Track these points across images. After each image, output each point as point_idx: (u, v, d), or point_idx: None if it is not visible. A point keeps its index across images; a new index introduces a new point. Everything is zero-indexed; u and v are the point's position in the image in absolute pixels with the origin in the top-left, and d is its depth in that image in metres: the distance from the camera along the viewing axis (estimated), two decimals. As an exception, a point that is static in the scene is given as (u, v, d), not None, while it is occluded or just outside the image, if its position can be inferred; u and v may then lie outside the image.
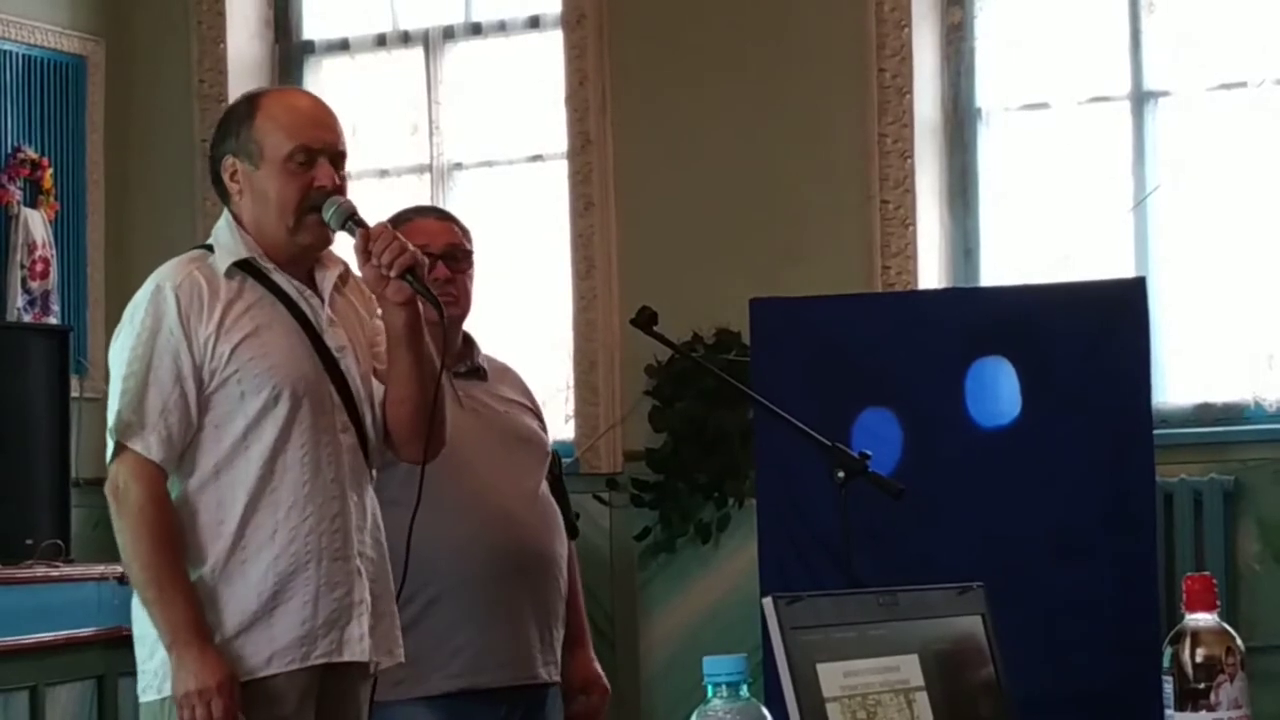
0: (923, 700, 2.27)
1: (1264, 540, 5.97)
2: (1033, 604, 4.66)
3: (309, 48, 7.51)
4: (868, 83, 6.43)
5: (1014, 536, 4.86)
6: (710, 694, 2.03)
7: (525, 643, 3.90)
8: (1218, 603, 2.33)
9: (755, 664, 2.23)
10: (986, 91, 6.53)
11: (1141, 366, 4.97)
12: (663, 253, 6.60)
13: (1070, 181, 6.42)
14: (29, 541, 6.13)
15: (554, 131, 6.93)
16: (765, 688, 2.44)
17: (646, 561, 6.62)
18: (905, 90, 6.40)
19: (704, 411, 6.44)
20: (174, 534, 3.33)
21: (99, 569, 5.90)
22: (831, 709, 2.16)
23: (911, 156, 6.39)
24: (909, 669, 2.27)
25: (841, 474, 3.84)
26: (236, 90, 6.38)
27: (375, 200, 6.00)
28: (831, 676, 2.18)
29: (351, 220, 3.39)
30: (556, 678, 4.00)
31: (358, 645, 3.41)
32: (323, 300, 3.46)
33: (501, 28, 7.20)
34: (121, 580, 3.48)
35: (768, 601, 2.17)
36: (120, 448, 3.34)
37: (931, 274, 6.42)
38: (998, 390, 5.00)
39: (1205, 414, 6.17)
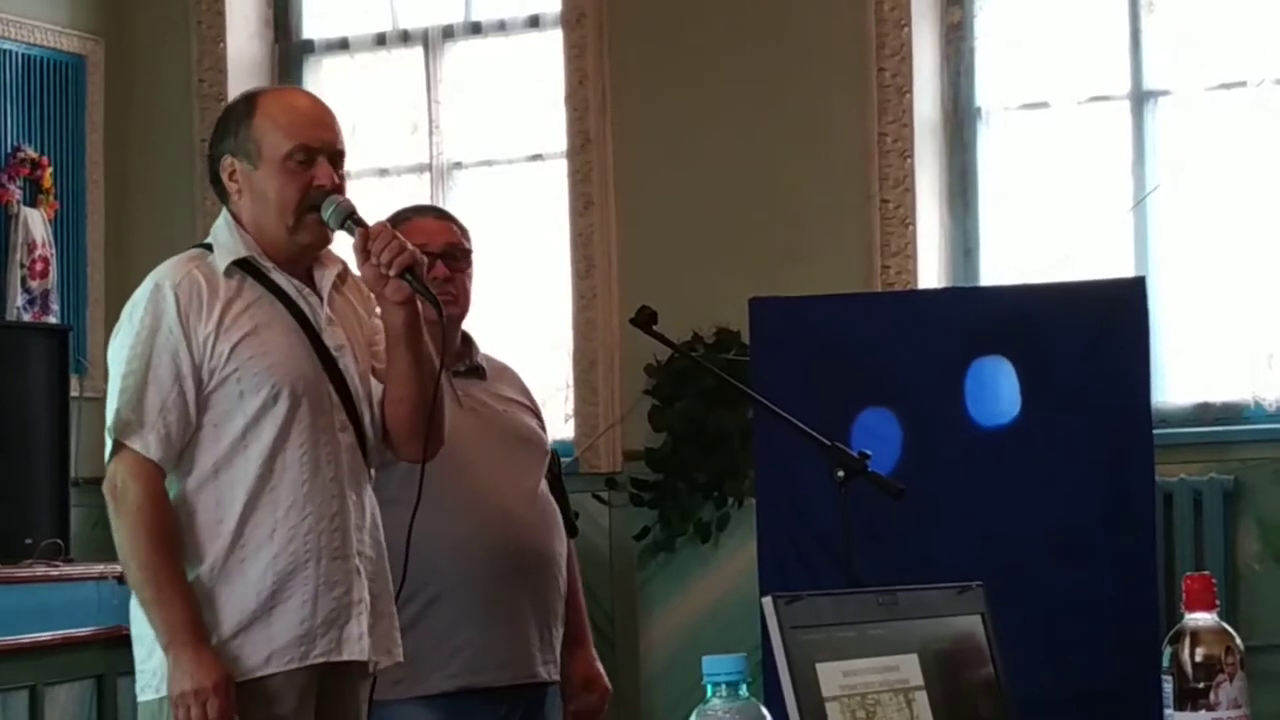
0: (922, 700, 2.27)
1: (1263, 540, 5.97)
2: (1032, 604, 4.65)
3: (308, 47, 7.51)
4: (867, 82, 6.43)
5: (1014, 536, 4.86)
6: (710, 693, 2.03)
7: (525, 642, 3.90)
8: (1217, 602, 2.33)
9: (755, 663, 2.22)
10: (986, 91, 6.53)
11: (1141, 366, 4.97)
12: (662, 252, 6.60)
13: (1070, 181, 6.42)
14: (28, 541, 6.13)
15: (554, 131, 6.93)
16: (765, 687, 2.44)
17: (646, 561, 6.62)
18: (905, 90, 6.40)
19: (704, 411, 6.44)
20: (172, 533, 3.32)
21: (98, 568, 5.90)
22: (831, 708, 2.16)
23: (911, 156, 6.39)
24: (908, 668, 2.27)
25: (841, 474, 3.84)
26: (236, 90, 6.38)
27: (375, 200, 6.00)
28: (831, 676, 2.18)
29: (350, 219, 3.39)
30: (556, 677, 4.00)
31: (357, 644, 3.41)
32: (321, 299, 3.46)
33: (501, 27, 7.20)
34: (121, 580, 3.48)
35: (767, 601, 2.17)
36: (119, 446, 3.34)
37: (931, 274, 6.42)
38: (997, 390, 5.00)
39: (1205, 414, 6.17)
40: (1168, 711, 2.31)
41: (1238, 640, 2.33)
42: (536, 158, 7.13)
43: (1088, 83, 6.39)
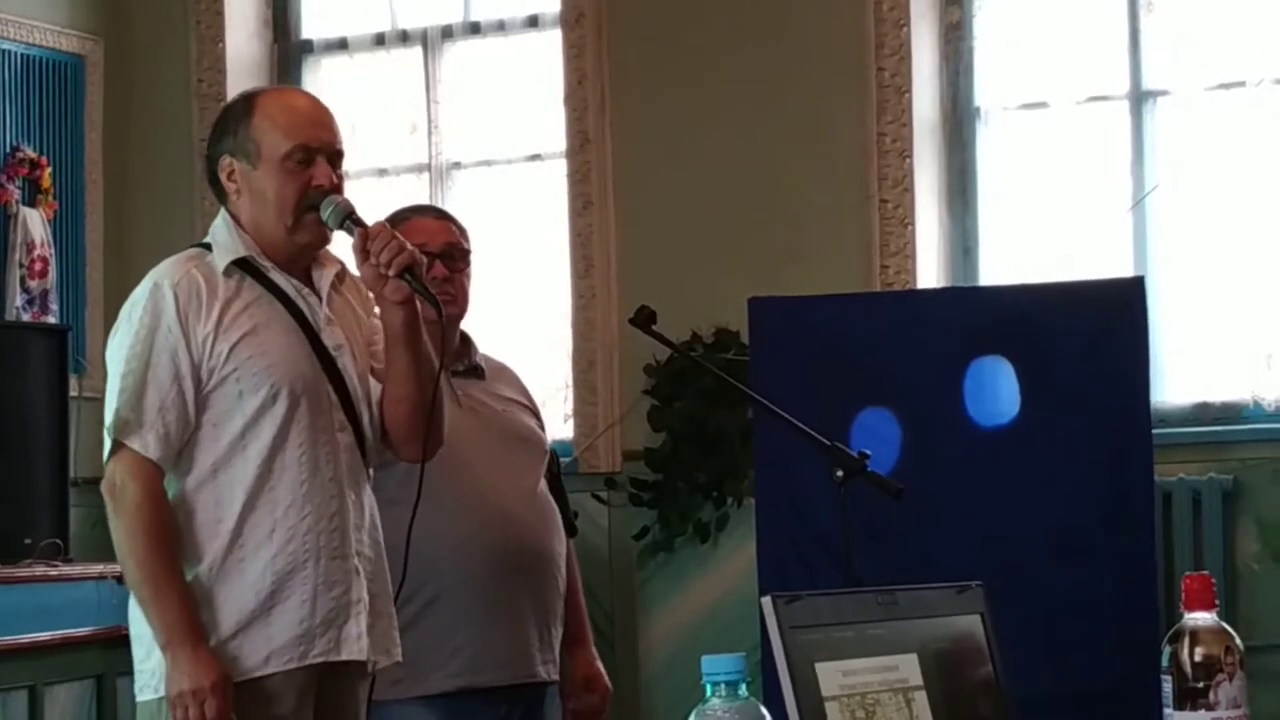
0: (921, 699, 2.26)
1: (1263, 539, 5.96)
2: (1032, 604, 4.66)
3: (307, 47, 7.50)
4: (867, 82, 6.43)
5: (1013, 536, 4.86)
6: (709, 693, 2.03)
7: (524, 642, 3.90)
8: (1216, 602, 2.33)
9: (754, 663, 2.23)
10: (985, 91, 6.52)
11: (1141, 366, 4.97)
12: (662, 252, 6.60)
13: (1069, 181, 6.42)
14: (28, 541, 6.12)
15: (553, 131, 6.93)
16: (764, 687, 2.44)
17: (645, 561, 6.62)
18: (904, 89, 6.40)
19: (703, 411, 6.44)
20: (170, 533, 3.32)
21: (98, 568, 5.90)
22: (830, 708, 2.16)
23: (910, 156, 6.39)
24: (908, 668, 2.27)
25: (841, 473, 3.84)
26: (235, 90, 6.37)
27: (374, 199, 6.01)
28: (830, 676, 2.18)
29: (350, 219, 3.40)
30: (555, 676, 4.00)
31: (355, 644, 3.41)
32: (320, 299, 3.46)
33: (500, 27, 7.20)
34: (120, 580, 3.47)
35: (767, 601, 2.17)
36: (118, 445, 3.34)
37: (930, 273, 6.42)
38: (997, 390, 5.00)
39: (1204, 413, 6.17)
40: (1167, 711, 2.31)
41: (1237, 640, 2.32)
42: (536, 158, 7.12)
43: (1087, 83, 6.39)
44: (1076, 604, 4.85)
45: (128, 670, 3.46)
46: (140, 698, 3.40)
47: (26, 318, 6.86)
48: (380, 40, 7.38)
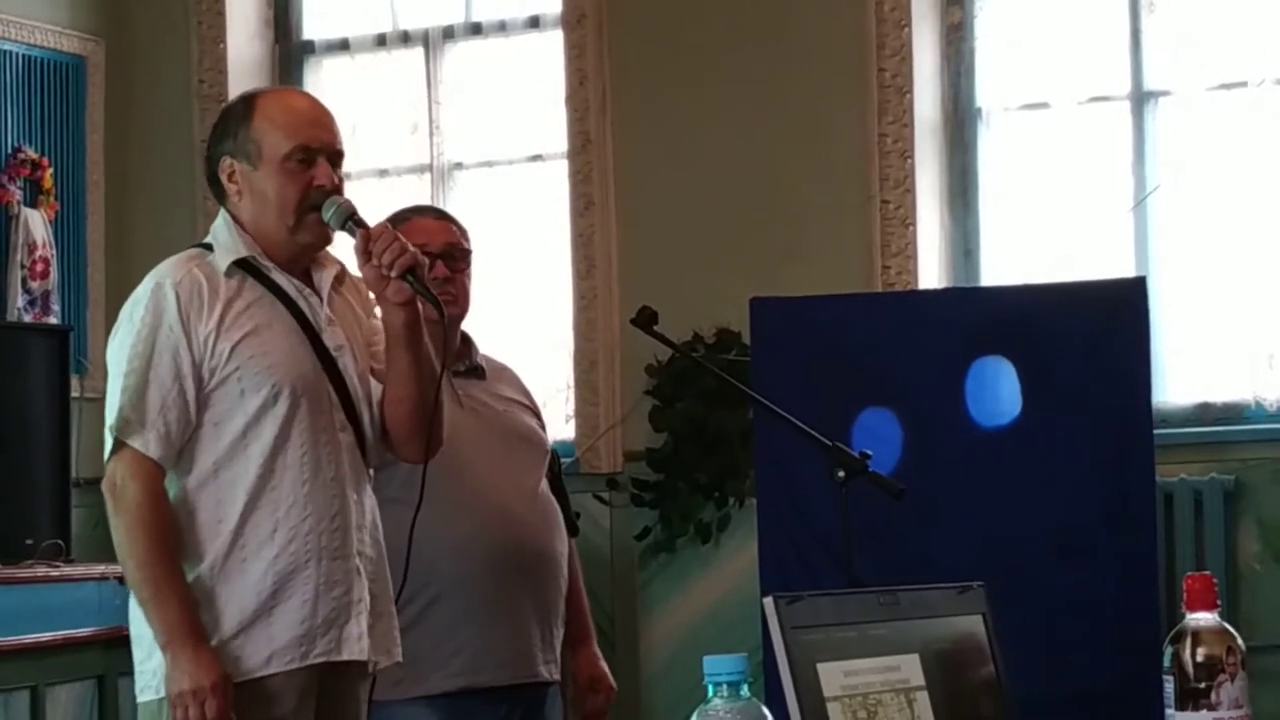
0: (923, 700, 2.26)
1: (1264, 540, 5.96)
2: (1033, 604, 4.66)
3: (309, 48, 7.51)
4: (868, 82, 6.43)
5: (1014, 536, 4.86)
6: (711, 693, 2.03)
7: (526, 641, 3.90)
8: (1218, 602, 2.33)
9: (756, 664, 2.22)
10: (986, 91, 6.53)
11: (1142, 366, 4.97)
12: (663, 252, 6.60)
13: (1070, 181, 6.42)
14: (29, 541, 6.12)
15: (554, 131, 6.93)
16: (766, 687, 2.44)
17: (647, 561, 6.62)
18: (905, 90, 6.40)
19: (704, 411, 6.44)
20: (170, 532, 3.32)
21: (99, 569, 5.90)
22: (832, 708, 2.16)
23: (911, 156, 6.39)
24: (909, 668, 2.27)
25: (841, 474, 3.84)
26: (236, 90, 6.38)
27: (375, 200, 6.01)
28: (832, 676, 2.18)
29: (351, 220, 3.40)
30: (557, 676, 4.00)
31: (356, 644, 3.41)
32: (321, 299, 3.47)
33: (501, 27, 7.20)
34: (122, 581, 3.47)
35: (768, 601, 2.17)
36: (119, 445, 3.34)
37: (931, 274, 6.42)
38: (998, 390, 5.00)
39: (1205, 414, 6.17)
40: (1169, 711, 2.31)
41: (1239, 640, 2.32)
42: (537, 158, 7.12)
43: (1088, 83, 6.39)
44: (1078, 604, 4.85)
45: (129, 671, 3.46)
46: (141, 698, 3.40)
47: (28, 318, 6.86)
48: (381, 41, 7.38)
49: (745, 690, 2.02)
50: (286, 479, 3.36)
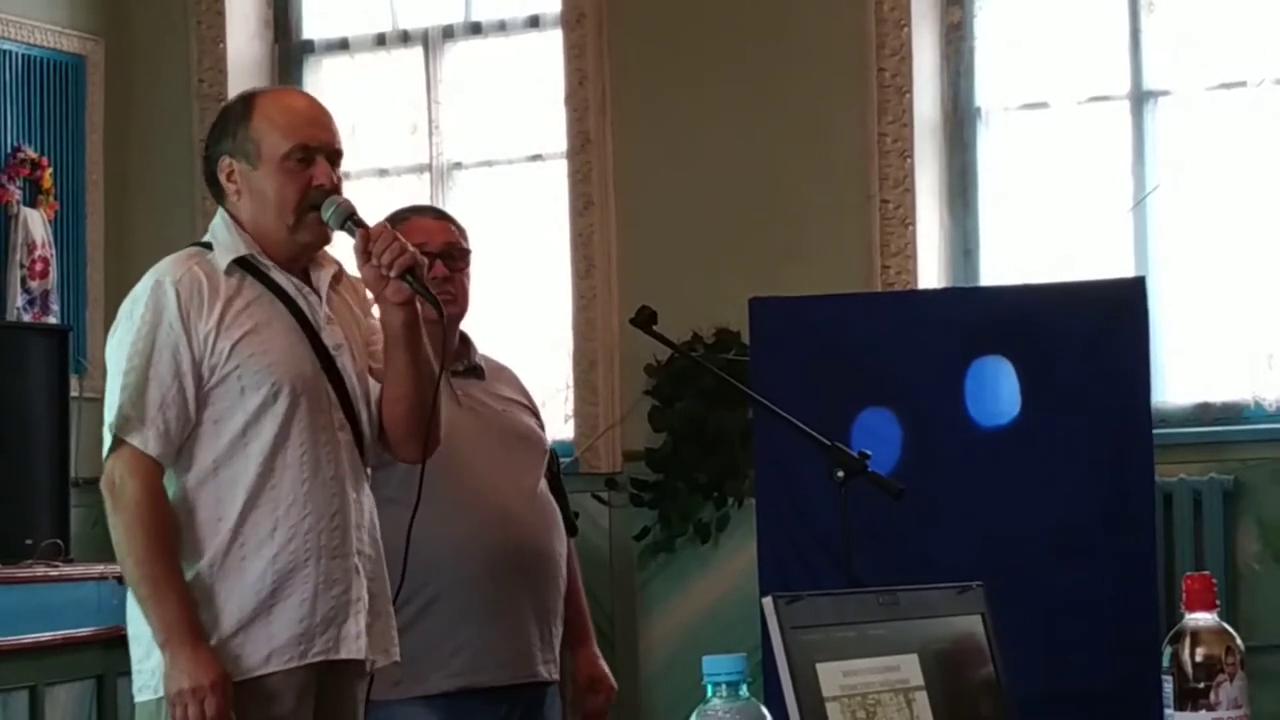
0: (922, 700, 2.26)
1: (1263, 540, 5.96)
2: (1033, 604, 4.66)
3: (308, 47, 7.50)
4: (867, 82, 6.43)
5: (1014, 536, 4.86)
6: (710, 693, 2.03)
7: (525, 641, 3.90)
8: (1217, 602, 2.33)
9: (755, 663, 2.22)
10: (986, 91, 6.52)
11: (1141, 366, 4.97)
12: (662, 252, 6.60)
13: (1070, 181, 6.42)
14: (28, 541, 6.12)
15: (553, 131, 6.93)
16: (765, 687, 2.44)
17: (646, 561, 6.62)
18: (905, 90, 6.40)
19: (703, 411, 6.44)
20: (169, 530, 3.32)
21: (98, 569, 5.90)
22: (831, 708, 2.16)
23: (911, 156, 6.39)
24: (909, 668, 2.27)
25: (841, 474, 3.84)
26: (236, 90, 6.35)
27: (374, 200, 6.01)
28: (831, 676, 2.18)
29: (351, 220, 3.40)
30: (556, 676, 4.00)
31: (355, 643, 3.41)
32: (320, 298, 3.47)
33: (501, 27, 7.20)
34: (121, 580, 3.46)
35: (767, 601, 2.17)
36: (118, 442, 3.34)
37: (931, 274, 6.42)
38: (997, 390, 5.00)
39: (1205, 413, 6.16)
40: (1168, 711, 2.31)
41: (1238, 640, 2.32)
42: (536, 158, 7.12)
43: (1087, 83, 6.39)
44: (1077, 604, 4.85)
45: (128, 670, 3.46)
46: (139, 698, 3.40)
47: (27, 318, 6.86)
48: (381, 40, 7.38)
49: (744, 690, 2.02)
50: (286, 477, 3.36)
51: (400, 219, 3.86)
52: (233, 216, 3.46)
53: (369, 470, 3.53)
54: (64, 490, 6.41)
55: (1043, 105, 6.46)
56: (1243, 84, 6.21)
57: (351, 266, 3.48)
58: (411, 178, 7.28)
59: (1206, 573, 2.39)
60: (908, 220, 6.38)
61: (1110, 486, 4.92)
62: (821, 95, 6.48)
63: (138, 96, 7.40)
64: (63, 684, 5.87)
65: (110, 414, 3.35)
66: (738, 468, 6.31)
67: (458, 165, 7.26)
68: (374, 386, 3.50)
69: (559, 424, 6.66)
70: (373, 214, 3.51)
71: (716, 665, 2.03)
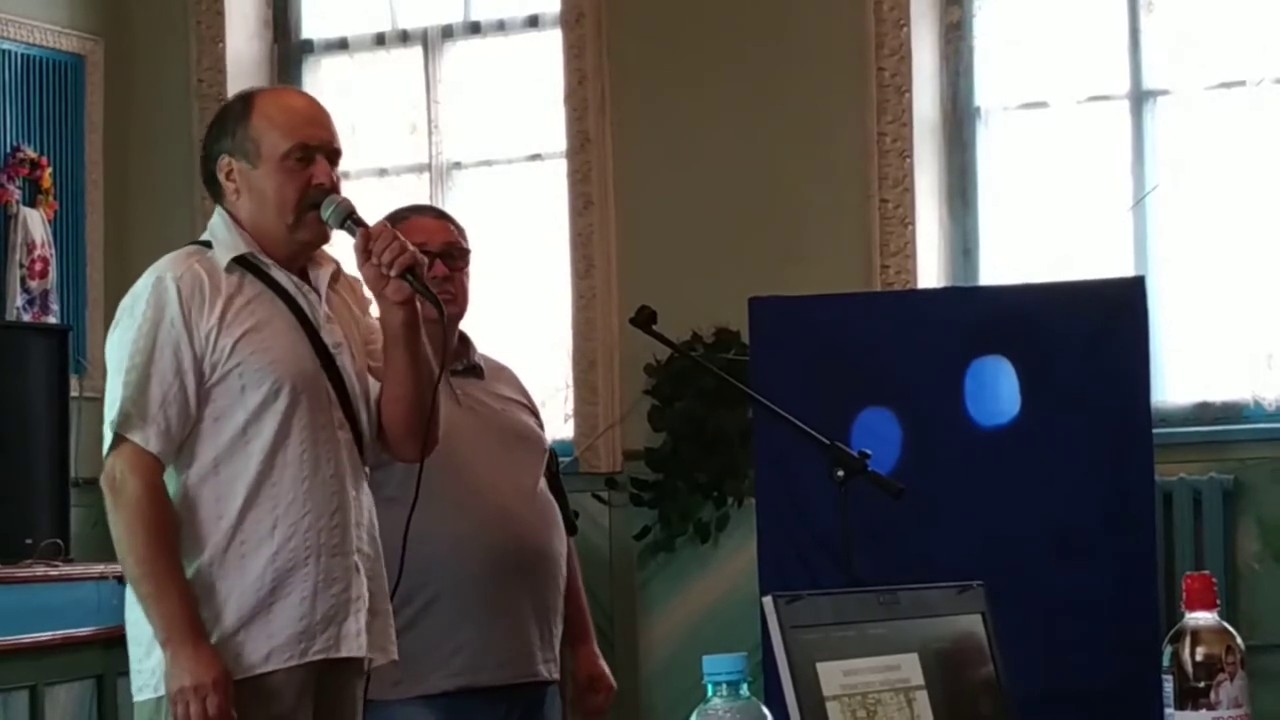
0: (923, 699, 2.26)
1: (1263, 539, 5.96)
2: (1033, 603, 4.65)
3: (308, 47, 7.50)
4: (867, 82, 6.43)
5: (1014, 536, 4.86)
6: (710, 693, 2.03)
7: (525, 640, 3.90)
8: (1217, 602, 2.33)
9: (755, 663, 2.22)
10: (985, 90, 6.52)
11: (1141, 366, 4.97)
12: (662, 252, 6.60)
13: (1069, 181, 6.42)
14: (28, 541, 6.12)
15: (553, 130, 6.93)
16: (765, 687, 2.44)
17: (646, 561, 6.62)
18: (904, 89, 6.40)
19: (703, 411, 6.44)
20: (170, 528, 3.32)
21: (98, 568, 5.90)
22: (831, 708, 2.16)
23: (910, 156, 6.39)
24: (909, 668, 2.27)
25: (841, 473, 3.84)
26: (235, 90, 6.32)
27: (374, 199, 6.00)
28: (831, 675, 2.18)
29: (350, 219, 3.40)
30: (556, 675, 4.00)
31: (354, 641, 3.41)
32: (319, 296, 3.47)
33: (500, 27, 7.20)
34: (121, 580, 3.46)
35: (768, 600, 2.17)
36: (118, 439, 3.34)
37: (931, 273, 6.42)
38: (997, 389, 5.00)
39: (1204, 413, 6.17)
40: (1168, 711, 2.31)
41: (1238, 640, 2.33)
42: (536, 157, 7.12)
43: (1087, 82, 6.39)
44: (1077, 604, 4.84)
45: (128, 670, 3.46)
46: (139, 698, 3.40)
47: (27, 318, 6.86)
48: (380, 40, 7.38)
49: (745, 690, 2.02)
50: (286, 475, 3.36)
51: (400, 218, 3.86)
52: (231, 215, 3.46)
53: (368, 469, 3.53)
54: (64, 490, 6.40)
55: (1042, 105, 6.46)
56: (1242, 84, 6.21)
57: (350, 266, 3.48)
58: (411, 177, 7.28)
59: (1206, 572, 2.39)
60: (907, 220, 6.38)
61: (1110, 486, 4.91)
62: (821, 95, 6.48)
63: (137, 96, 7.40)
64: (63, 684, 5.87)
65: (111, 411, 3.35)
66: (738, 467, 6.31)
67: (457, 165, 7.26)
68: (373, 385, 3.50)
69: (559, 424, 6.66)
70: (372, 214, 3.51)
71: (716, 665, 2.03)
